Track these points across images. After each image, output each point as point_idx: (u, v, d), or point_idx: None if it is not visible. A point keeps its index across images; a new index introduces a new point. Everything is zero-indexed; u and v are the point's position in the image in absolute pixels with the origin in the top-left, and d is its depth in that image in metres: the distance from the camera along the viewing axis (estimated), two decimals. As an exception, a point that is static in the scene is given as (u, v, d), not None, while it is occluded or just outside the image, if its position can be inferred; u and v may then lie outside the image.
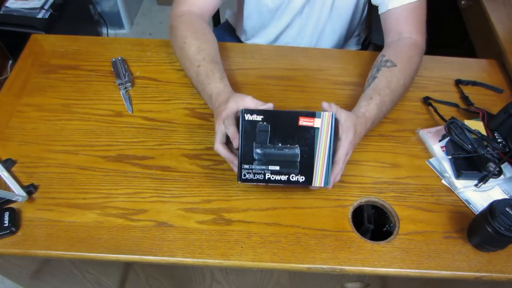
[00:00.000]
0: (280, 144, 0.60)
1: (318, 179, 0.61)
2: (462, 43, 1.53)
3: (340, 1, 0.94)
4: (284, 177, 0.61)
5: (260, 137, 0.59)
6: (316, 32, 1.01)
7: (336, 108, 0.64)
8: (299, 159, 0.60)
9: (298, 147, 0.60)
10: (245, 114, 0.59)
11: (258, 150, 0.60)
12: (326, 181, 0.61)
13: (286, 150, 0.60)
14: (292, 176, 0.61)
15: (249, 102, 0.64)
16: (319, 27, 1.00)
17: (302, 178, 0.61)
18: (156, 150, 0.74)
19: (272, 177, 0.61)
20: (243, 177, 0.61)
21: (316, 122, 0.59)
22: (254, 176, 0.61)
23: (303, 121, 0.59)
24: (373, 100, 0.71)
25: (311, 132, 0.60)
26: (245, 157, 0.60)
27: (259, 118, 0.59)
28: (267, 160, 0.60)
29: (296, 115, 0.60)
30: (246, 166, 0.60)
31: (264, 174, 0.61)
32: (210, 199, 0.68)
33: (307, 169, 0.61)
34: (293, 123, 0.60)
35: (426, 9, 0.83)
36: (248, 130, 0.59)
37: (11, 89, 0.83)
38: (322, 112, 0.60)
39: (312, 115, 0.59)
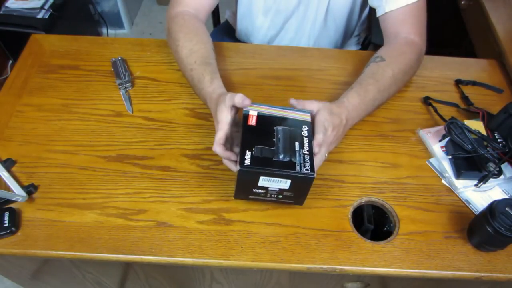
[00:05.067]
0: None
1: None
2: (462, 43, 1.53)
3: (335, 3, 0.94)
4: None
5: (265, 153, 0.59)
6: (313, 35, 1.01)
7: (304, 102, 0.66)
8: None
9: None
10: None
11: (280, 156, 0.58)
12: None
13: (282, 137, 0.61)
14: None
15: (228, 100, 0.64)
16: (316, 29, 1.00)
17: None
18: (156, 150, 0.74)
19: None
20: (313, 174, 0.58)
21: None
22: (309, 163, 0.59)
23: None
24: (353, 88, 0.73)
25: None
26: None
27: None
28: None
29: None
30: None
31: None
32: (210, 199, 0.68)
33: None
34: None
35: (425, 9, 0.82)
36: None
37: (11, 89, 0.83)
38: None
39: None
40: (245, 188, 0.60)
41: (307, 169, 0.57)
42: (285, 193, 0.60)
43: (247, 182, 0.59)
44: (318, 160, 0.62)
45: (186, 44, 0.78)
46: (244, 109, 0.63)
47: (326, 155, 0.65)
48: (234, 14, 1.18)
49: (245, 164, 0.56)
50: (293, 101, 0.67)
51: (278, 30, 1.02)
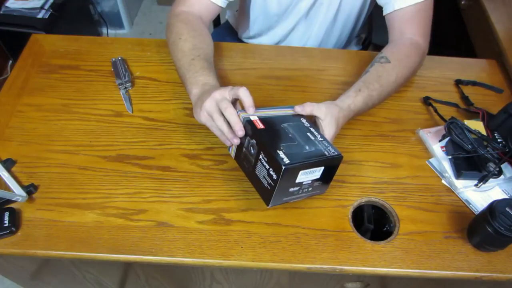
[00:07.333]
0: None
1: None
2: (462, 43, 1.53)
3: (346, 4, 0.93)
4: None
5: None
6: (320, 34, 1.01)
7: (312, 106, 0.65)
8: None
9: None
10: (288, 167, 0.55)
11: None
12: None
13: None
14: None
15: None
16: (324, 29, 1.00)
17: None
18: (156, 150, 0.74)
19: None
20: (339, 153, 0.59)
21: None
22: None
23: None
24: (361, 93, 0.72)
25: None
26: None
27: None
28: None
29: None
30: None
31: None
32: (210, 199, 0.68)
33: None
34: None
35: (432, 10, 0.82)
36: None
37: (11, 89, 0.83)
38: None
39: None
40: (283, 190, 0.59)
41: (333, 152, 0.59)
42: (315, 184, 0.61)
43: (286, 182, 0.58)
44: None
45: (189, 39, 0.78)
46: (241, 117, 0.62)
47: None
48: (235, 15, 1.19)
49: (286, 162, 0.55)
50: (298, 109, 0.66)
51: (289, 30, 1.02)
